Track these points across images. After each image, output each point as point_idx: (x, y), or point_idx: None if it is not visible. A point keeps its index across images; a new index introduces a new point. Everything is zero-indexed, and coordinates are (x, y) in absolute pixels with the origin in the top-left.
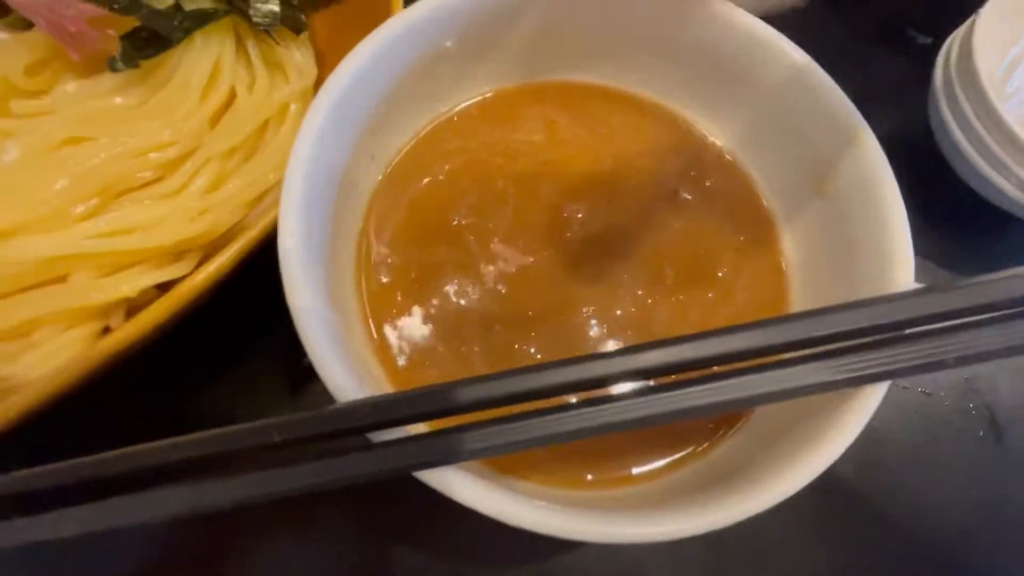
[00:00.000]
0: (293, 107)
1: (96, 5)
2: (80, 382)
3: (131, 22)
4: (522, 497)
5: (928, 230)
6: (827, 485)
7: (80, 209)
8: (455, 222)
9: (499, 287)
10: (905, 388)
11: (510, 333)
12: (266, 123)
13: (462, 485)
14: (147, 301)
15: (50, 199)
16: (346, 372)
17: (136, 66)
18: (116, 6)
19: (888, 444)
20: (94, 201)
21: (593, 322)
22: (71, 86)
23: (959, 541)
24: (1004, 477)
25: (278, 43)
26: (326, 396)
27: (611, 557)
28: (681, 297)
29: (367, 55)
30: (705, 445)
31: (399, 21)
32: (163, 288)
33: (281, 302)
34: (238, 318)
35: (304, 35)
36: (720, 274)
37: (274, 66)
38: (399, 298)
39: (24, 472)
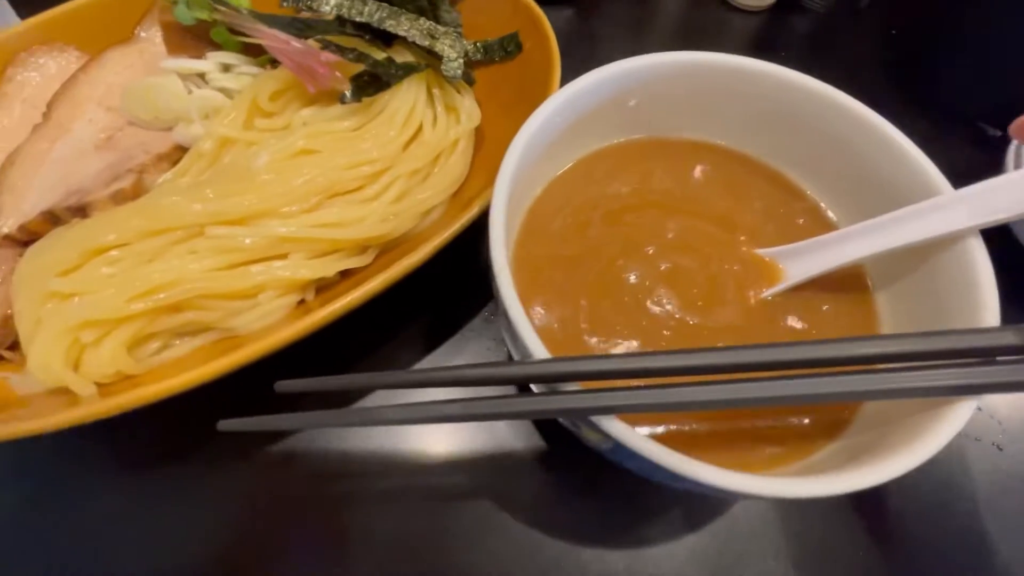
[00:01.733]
0: (461, 144)
1: (336, 55)
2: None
3: (356, 68)
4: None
5: None
6: (894, 523)
7: (305, 204)
8: (588, 233)
9: (627, 275)
10: (978, 440)
11: (634, 320)
12: (439, 153)
13: (634, 435)
14: (331, 283)
15: (287, 193)
16: (536, 338)
17: (359, 101)
18: (350, 56)
19: (960, 490)
20: (315, 199)
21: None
22: (306, 111)
23: None
24: None
25: (458, 91)
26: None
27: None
28: (788, 324)
29: (541, 118)
30: (810, 448)
31: (563, 93)
32: (344, 274)
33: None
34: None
35: (470, 87)
36: (824, 308)
37: (450, 109)
38: (543, 287)
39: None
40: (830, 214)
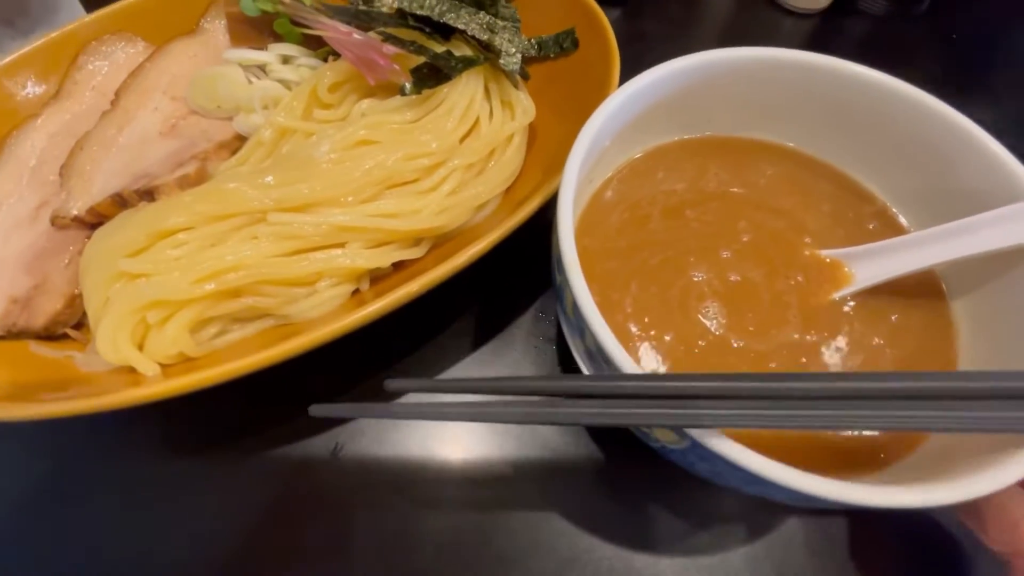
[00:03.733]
0: (516, 139)
1: (396, 47)
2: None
3: (414, 61)
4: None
5: None
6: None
7: (364, 194)
8: (648, 227)
9: (684, 274)
10: None
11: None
12: (494, 148)
13: (713, 435)
14: (384, 274)
15: (347, 183)
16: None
17: (419, 92)
18: (411, 48)
19: None
20: (373, 189)
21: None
22: (365, 103)
23: None
24: None
25: (515, 86)
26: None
27: None
28: (856, 329)
29: (603, 116)
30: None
31: (627, 89)
32: (396, 266)
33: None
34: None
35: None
36: (893, 319)
37: (506, 104)
38: (597, 278)
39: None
40: (901, 219)
